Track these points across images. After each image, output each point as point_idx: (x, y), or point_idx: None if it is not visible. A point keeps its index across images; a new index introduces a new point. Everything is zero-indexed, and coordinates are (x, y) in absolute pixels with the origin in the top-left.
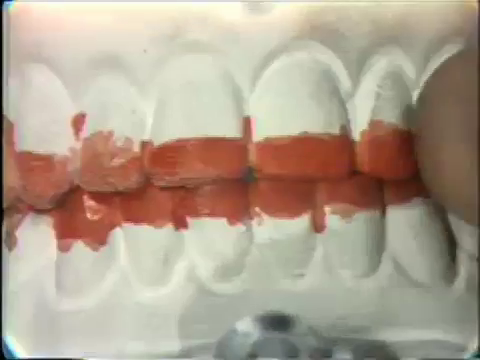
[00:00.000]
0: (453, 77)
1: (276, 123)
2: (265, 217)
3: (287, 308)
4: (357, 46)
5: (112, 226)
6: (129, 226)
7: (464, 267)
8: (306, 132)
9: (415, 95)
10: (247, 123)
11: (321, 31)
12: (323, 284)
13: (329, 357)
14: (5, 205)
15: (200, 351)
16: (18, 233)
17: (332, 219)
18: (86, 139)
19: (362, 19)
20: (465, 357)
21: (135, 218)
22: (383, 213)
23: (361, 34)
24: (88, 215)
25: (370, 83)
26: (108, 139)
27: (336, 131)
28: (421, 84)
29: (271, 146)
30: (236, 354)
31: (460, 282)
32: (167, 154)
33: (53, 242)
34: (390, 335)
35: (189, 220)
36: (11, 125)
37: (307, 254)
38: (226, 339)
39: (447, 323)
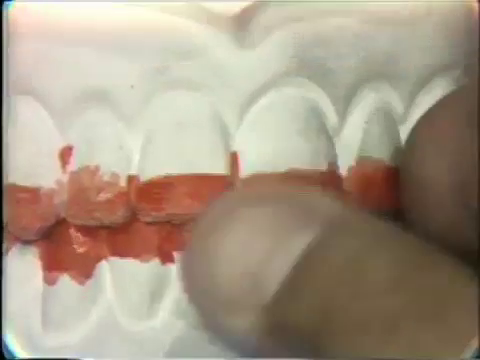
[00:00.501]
0: (437, 127)
1: (263, 159)
2: None
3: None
4: (345, 81)
5: (98, 259)
6: (115, 260)
7: None
8: (293, 169)
9: (403, 130)
10: (234, 159)
11: (308, 66)
12: None
13: None
14: None
15: None
16: (4, 263)
17: None
18: (73, 173)
19: (349, 54)
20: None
21: (121, 252)
22: None
23: (349, 69)
24: (74, 248)
25: (358, 119)
26: (94, 173)
27: (323, 167)
28: (409, 119)
29: (258, 183)
30: None
31: None
32: (154, 190)
33: (39, 273)
34: None
35: (176, 255)
36: None
37: None
38: None
39: None
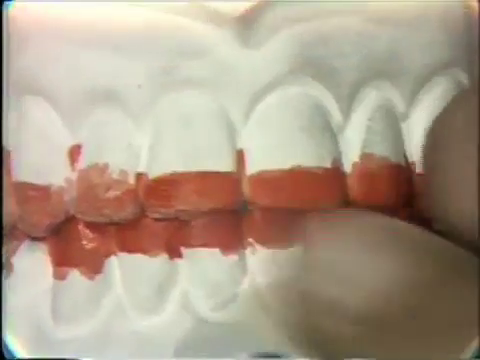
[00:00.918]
0: (460, 117)
1: (269, 157)
2: (258, 247)
3: (281, 337)
4: (348, 80)
5: (107, 255)
6: (124, 255)
7: None
8: (298, 165)
9: (404, 127)
10: (240, 156)
11: (312, 65)
12: None
13: None
14: (4, 231)
15: None
16: (15, 260)
17: None
18: (82, 170)
19: (352, 53)
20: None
21: (130, 247)
22: None
23: (351, 68)
24: (83, 244)
25: (361, 116)
26: (103, 171)
27: (328, 164)
28: (410, 116)
29: (264, 179)
30: None
31: None
32: (162, 187)
33: (49, 269)
34: None
35: (183, 250)
36: (8, 154)
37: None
38: None
39: None
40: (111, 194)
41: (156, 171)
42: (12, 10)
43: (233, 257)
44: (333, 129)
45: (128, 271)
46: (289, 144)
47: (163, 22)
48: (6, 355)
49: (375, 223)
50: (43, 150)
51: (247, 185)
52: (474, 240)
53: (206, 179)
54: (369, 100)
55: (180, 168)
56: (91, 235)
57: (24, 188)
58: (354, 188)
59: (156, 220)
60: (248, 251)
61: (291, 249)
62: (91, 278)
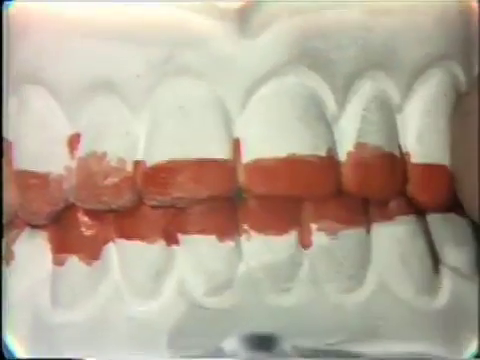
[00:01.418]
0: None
1: (264, 145)
2: (254, 234)
3: (274, 322)
4: (343, 71)
5: (105, 242)
6: (122, 242)
7: (447, 281)
8: (293, 154)
9: (399, 118)
10: (236, 145)
11: (309, 56)
12: (309, 299)
13: None
14: (5, 220)
15: None
16: (15, 247)
17: (318, 236)
18: (81, 159)
19: (348, 44)
20: (464, 357)
21: (128, 234)
22: (368, 231)
23: (347, 59)
24: (82, 231)
25: (356, 106)
26: (102, 159)
27: (323, 153)
28: (405, 108)
29: (259, 167)
30: None
31: (443, 296)
32: (159, 174)
33: (49, 256)
34: (373, 348)
35: (180, 237)
36: (10, 144)
37: (294, 269)
38: (213, 358)
39: (430, 336)
40: (109, 181)
41: (153, 159)
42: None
43: (229, 244)
44: (328, 119)
45: (126, 257)
46: (285, 133)
47: (161, 13)
48: (6, 355)
49: None
50: (43, 139)
51: (243, 173)
52: None
53: (203, 167)
54: (364, 91)
55: (177, 156)
56: (90, 222)
57: (24, 176)
58: (348, 177)
59: (154, 208)
60: (243, 238)
61: (285, 236)
62: (89, 264)
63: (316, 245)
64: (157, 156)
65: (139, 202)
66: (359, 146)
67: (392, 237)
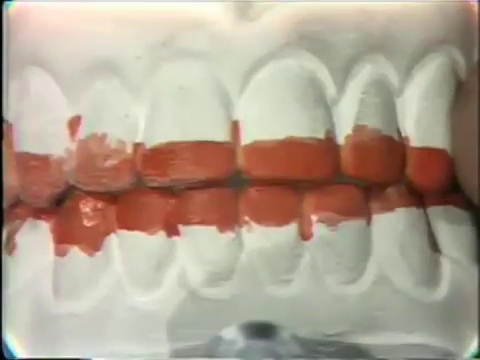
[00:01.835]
0: None
1: (263, 127)
2: (254, 225)
3: (274, 313)
4: (343, 54)
5: (107, 232)
6: (123, 233)
7: (447, 272)
8: (292, 136)
9: (398, 102)
10: (235, 127)
11: (308, 39)
12: (309, 290)
13: None
14: (6, 204)
15: (189, 353)
16: (17, 238)
17: (319, 227)
18: (81, 141)
19: (348, 28)
20: (464, 357)
21: (129, 225)
22: (368, 221)
23: (347, 42)
24: (84, 222)
25: (355, 90)
26: (102, 141)
27: (321, 135)
28: (404, 92)
29: (258, 149)
30: None
31: (443, 287)
32: (158, 156)
33: (51, 246)
34: (373, 339)
35: (181, 227)
36: (10, 126)
37: (294, 261)
38: (212, 346)
39: (430, 327)
40: (109, 164)
41: (153, 141)
42: None
43: (229, 234)
44: (327, 102)
45: (127, 248)
46: (283, 115)
47: None
48: (6, 355)
49: None
50: (43, 121)
51: (241, 155)
52: None
53: (202, 149)
54: (363, 74)
55: (176, 138)
56: (91, 213)
57: (25, 158)
58: (347, 160)
59: (155, 198)
60: (244, 229)
61: (286, 227)
62: (91, 255)
63: (316, 236)
64: (156, 138)
65: (141, 191)
66: (358, 129)
67: (392, 228)
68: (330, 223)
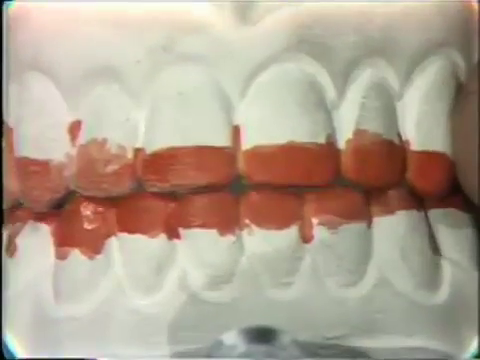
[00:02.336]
0: None
1: (264, 132)
2: (255, 228)
3: (275, 316)
4: (343, 58)
5: (107, 235)
6: (124, 236)
7: (447, 275)
8: (293, 141)
9: (399, 105)
10: (236, 132)
11: (308, 43)
12: (309, 293)
13: None
14: (6, 207)
15: (189, 356)
16: (18, 240)
17: (319, 230)
18: (81, 146)
19: (348, 31)
20: (464, 357)
21: (129, 228)
22: (369, 225)
23: (347, 45)
24: (84, 225)
25: (355, 94)
26: (102, 146)
27: (322, 140)
28: (405, 95)
29: (259, 154)
30: None
31: (444, 290)
32: (159, 161)
33: (52, 249)
34: (373, 342)
35: (181, 231)
36: (10, 131)
37: (295, 264)
38: (212, 350)
39: (431, 330)
40: (110, 169)
41: (153, 146)
42: None
43: (230, 238)
44: (328, 106)
45: (127, 251)
46: (284, 120)
47: None
48: (6, 355)
49: None
50: (44, 125)
51: (242, 160)
52: None
53: (202, 154)
54: (364, 78)
55: (177, 143)
56: (92, 216)
57: (25, 163)
58: (347, 164)
59: (155, 201)
60: (245, 232)
61: (286, 230)
62: (91, 258)
63: (317, 239)
64: (157, 143)
65: (141, 194)
66: (358, 133)
67: (393, 231)
68: (331, 226)
